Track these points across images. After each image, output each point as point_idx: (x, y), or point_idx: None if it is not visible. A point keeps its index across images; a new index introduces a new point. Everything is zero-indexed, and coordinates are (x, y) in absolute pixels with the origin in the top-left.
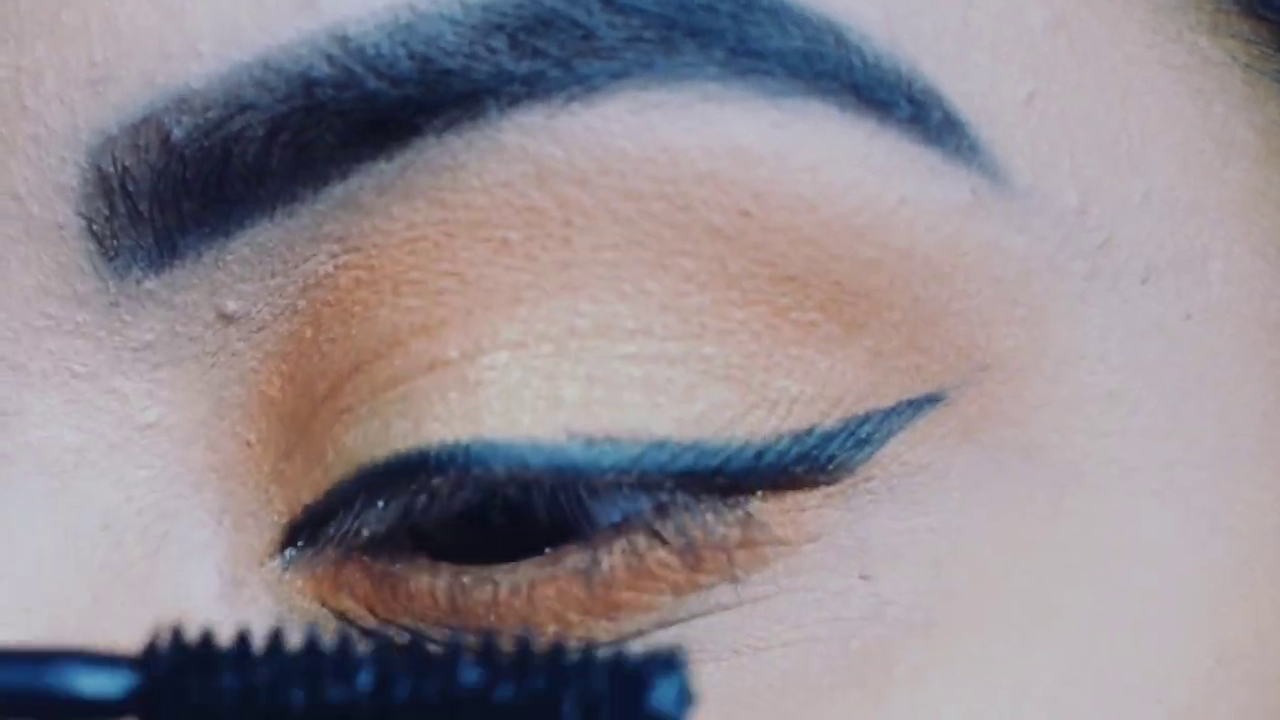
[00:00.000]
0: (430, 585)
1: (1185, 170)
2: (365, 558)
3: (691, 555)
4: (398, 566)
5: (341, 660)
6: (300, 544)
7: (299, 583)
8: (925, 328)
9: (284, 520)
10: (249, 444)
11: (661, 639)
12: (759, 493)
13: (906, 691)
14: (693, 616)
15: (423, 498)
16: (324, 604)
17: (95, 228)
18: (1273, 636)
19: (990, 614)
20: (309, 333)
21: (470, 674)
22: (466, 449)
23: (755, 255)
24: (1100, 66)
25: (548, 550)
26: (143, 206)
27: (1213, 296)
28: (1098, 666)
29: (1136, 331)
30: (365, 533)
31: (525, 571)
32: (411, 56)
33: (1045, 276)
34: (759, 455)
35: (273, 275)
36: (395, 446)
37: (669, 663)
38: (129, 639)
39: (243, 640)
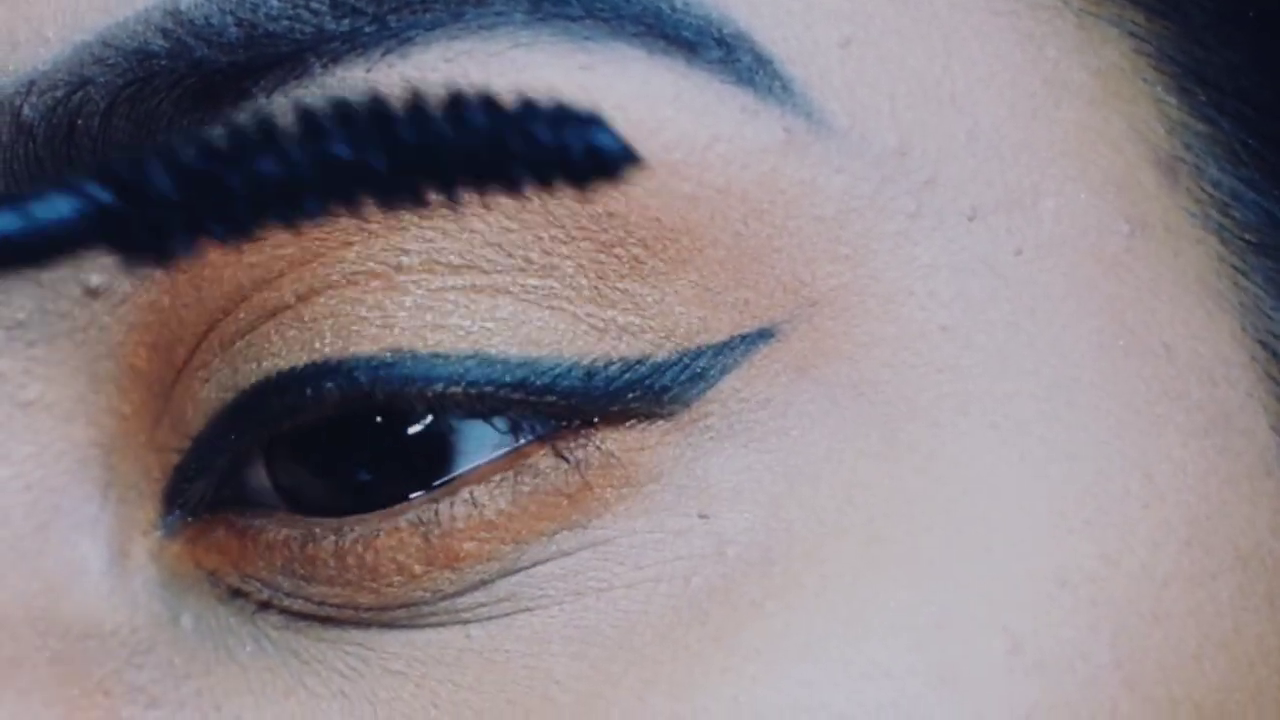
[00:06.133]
0: (286, 536)
1: (1014, 111)
2: (231, 515)
3: (533, 503)
4: (258, 521)
5: None
6: (177, 510)
7: (176, 549)
8: (750, 264)
9: (160, 486)
10: (125, 417)
11: (505, 586)
12: (597, 422)
13: (748, 627)
14: (535, 564)
15: (263, 425)
16: (198, 565)
17: None
18: (1120, 559)
19: (828, 551)
20: (166, 301)
21: None
22: (301, 373)
23: (574, 193)
24: (921, 13)
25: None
26: (1, 187)
27: (1044, 233)
28: (939, 597)
29: (965, 268)
30: (227, 491)
31: (371, 523)
32: (239, 24)
33: (867, 215)
34: (589, 375)
35: None
36: (241, 386)
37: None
38: (22, 613)
39: None
